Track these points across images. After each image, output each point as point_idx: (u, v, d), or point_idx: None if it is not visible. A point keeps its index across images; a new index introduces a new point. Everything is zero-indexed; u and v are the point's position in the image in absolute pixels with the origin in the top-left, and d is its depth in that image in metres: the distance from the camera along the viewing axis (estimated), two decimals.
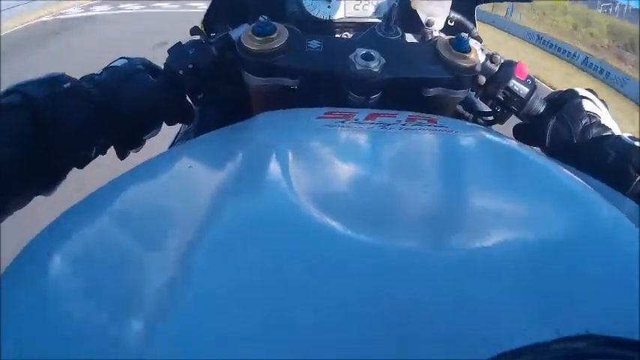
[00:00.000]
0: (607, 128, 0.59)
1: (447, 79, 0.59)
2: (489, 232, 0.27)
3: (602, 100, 0.64)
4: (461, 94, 0.62)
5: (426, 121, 0.45)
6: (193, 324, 0.20)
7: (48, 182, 0.46)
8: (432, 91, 0.60)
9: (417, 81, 0.59)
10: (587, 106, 0.61)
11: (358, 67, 0.53)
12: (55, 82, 0.46)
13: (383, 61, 0.54)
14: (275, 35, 0.55)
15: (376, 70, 0.54)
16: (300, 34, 0.59)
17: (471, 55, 0.59)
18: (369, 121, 0.44)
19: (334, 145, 0.39)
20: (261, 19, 0.55)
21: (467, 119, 0.74)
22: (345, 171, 0.35)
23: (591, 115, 0.60)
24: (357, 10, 0.78)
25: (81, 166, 0.50)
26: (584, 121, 0.59)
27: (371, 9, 0.79)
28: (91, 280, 0.24)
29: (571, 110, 0.60)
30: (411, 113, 0.47)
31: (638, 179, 0.52)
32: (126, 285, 0.24)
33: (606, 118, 0.61)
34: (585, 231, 0.29)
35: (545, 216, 0.30)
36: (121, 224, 0.29)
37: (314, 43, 0.57)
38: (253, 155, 0.35)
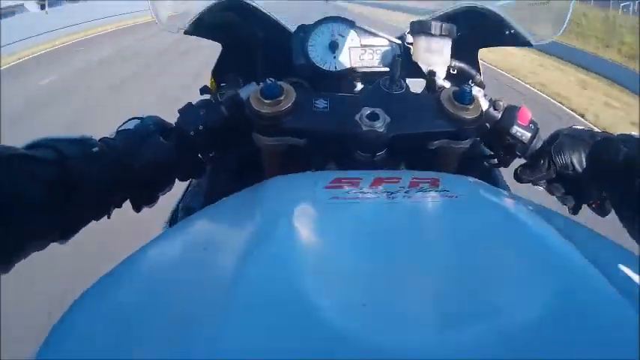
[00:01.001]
0: (609, 133, 0.61)
1: (451, 132, 0.61)
2: (479, 314, 0.29)
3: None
4: (465, 144, 0.63)
5: (427, 184, 0.47)
6: None
7: (66, 232, 0.49)
8: (437, 143, 0.62)
9: (421, 136, 0.61)
10: (581, 127, 0.64)
11: (364, 128, 0.55)
12: (85, 143, 0.51)
13: (388, 119, 0.56)
14: (282, 97, 0.57)
15: (381, 130, 0.55)
16: (307, 91, 0.62)
17: (474, 107, 0.60)
18: (374, 188, 0.45)
19: (338, 221, 0.41)
20: (268, 81, 0.57)
21: (472, 164, 0.75)
22: (348, 247, 0.37)
23: (589, 129, 0.63)
24: (363, 59, 0.81)
25: (98, 219, 0.53)
26: (588, 134, 0.62)
27: (376, 58, 0.81)
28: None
29: (574, 131, 0.63)
30: (414, 175, 0.49)
31: None
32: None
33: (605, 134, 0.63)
34: (573, 306, 0.30)
35: (536, 291, 0.31)
36: (147, 294, 0.33)
37: (321, 103, 0.59)
38: (257, 239, 0.36)
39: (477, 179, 0.55)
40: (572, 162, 0.61)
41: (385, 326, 0.27)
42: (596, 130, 0.63)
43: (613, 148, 0.56)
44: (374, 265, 0.34)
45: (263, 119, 0.57)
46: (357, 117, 0.56)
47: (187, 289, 0.32)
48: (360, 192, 0.45)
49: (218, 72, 0.83)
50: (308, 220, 0.40)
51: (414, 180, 0.48)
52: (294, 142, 0.59)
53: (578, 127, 0.65)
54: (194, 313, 0.29)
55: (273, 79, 0.57)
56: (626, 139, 0.56)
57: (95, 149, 0.51)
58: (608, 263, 0.34)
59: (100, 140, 0.55)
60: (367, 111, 0.57)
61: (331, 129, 0.58)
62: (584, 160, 0.60)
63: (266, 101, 0.56)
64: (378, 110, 0.57)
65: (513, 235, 0.38)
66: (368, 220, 0.40)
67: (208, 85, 0.82)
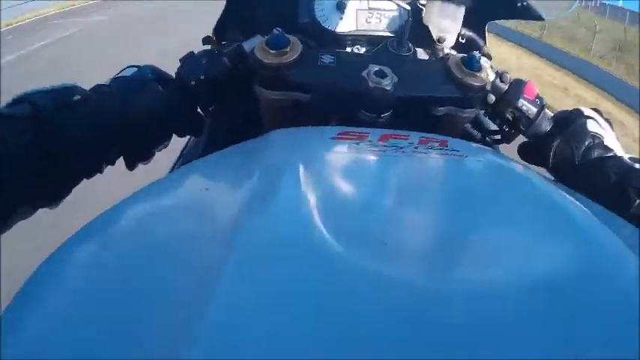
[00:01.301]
0: (609, 149, 0.59)
1: (458, 99, 0.59)
2: (494, 264, 0.28)
3: (607, 120, 0.64)
4: (470, 112, 0.62)
5: (437, 144, 0.45)
6: (216, 349, 0.20)
7: (54, 194, 0.45)
8: (442, 110, 0.60)
9: (428, 100, 0.59)
10: (592, 126, 0.61)
11: (371, 85, 0.53)
12: (65, 93, 0.45)
13: (395, 79, 0.54)
14: (288, 48, 0.54)
15: (389, 88, 0.53)
16: (313, 47, 0.59)
17: (482, 74, 0.58)
18: (382, 142, 0.43)
19: (348, 168, 0.39)
20: (275, 31, 0.55)
21: (475, 138, 0.74)
22: (357, 194, 0.35)
23: (595, 136, 0.60)
24: (369, 23, 0.78)
25: (89, 177, 0.49)
26: (587, 142, 0.59)
27: (383, 22, 0.79)
28: (109, 303, 0.24)
29: (575, 131, 0.60)
30: (422, 135, 0.47)
31: (638, 202, 0.51)
32: (147, 308, 0.23)
33: (610, 138, 0.61)
34: (589, 264, 0.29)
35: (549, 248, 0.30)
36: (137, 245, 0.29)
37: (327, 58, 0.57)
38: (267, 178, 0.34)
39: (482, 145, 0.54)
40: (558, 165, 0.60)
41: (408, 265, 0.26)
42: (599, 135, 0.60)
43: (603, 174, 0.55)
44: (383, 211, 0.33)
45: (267, 70, 0.54)
46: (364, 73, 0.54)
47: (188, 233, 0.30)
48: (369, 144, 0.43)
49: (220, 29, 0.80)
50: (318, 164, 0.39)
51: (423, 138, 0.46)
52: (298, 96, 0.57)
53: (588, 125, 0.61)
54: (197, 259, 0.26)
55: (280, 29, 0.55)
56: (617, 164, 0.55)
57: (76, 97, 0.45)
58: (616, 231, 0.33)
59: (93, 87, 0.50)
60: (375, 68, 0.54)
61: (337, 84, 0.56)
62: (569, 167, 0.59)
63: (271, 51, 0.54)
64: (385, 69, 0.55)
65: (527, 194, 0.37)
66: (377, 167, 0.39)
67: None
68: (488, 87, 0.60)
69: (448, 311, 0.23)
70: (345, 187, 0.36)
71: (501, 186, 0.39)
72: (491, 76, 0.63)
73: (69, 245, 0.29)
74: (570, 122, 0.62)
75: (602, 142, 0.60)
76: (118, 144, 0.51)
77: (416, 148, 0.43)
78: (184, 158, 0.75)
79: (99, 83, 0.52)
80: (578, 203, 0.36)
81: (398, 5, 0.79)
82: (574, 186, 0.57)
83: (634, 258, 0.29)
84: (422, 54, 0.78)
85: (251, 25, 0.80)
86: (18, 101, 0.43)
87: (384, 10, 0.79)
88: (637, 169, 0.53)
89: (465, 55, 0.59)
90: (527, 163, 0.66)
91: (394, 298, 0.23)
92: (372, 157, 0.40)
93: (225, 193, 0.35)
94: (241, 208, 0.31)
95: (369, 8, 0.78)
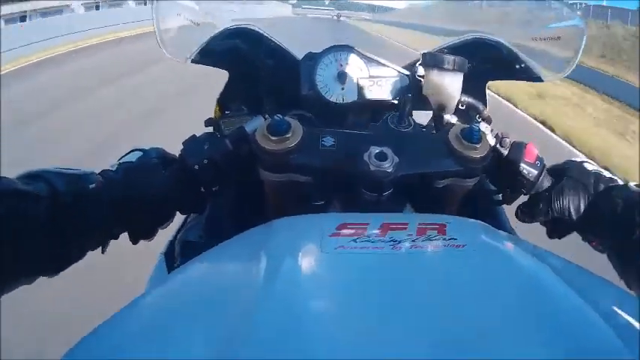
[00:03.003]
0: (613, 180, 0.60)
1: (459, 171, 0.59)
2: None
3: (604, 167, 0.66)
4: (471, 182, 0.62)
5: (435, 231, 0.45)
6: None
7: (57, 267, 0.48)
8: (444, 182, 0.61)
9: (429, 175, 0.59)
10: (589, 167, 0.63)
11: (372, 168, 0.54)
12: (80, 179, 0.49)
13: (396, 159, 0.55)
14: (290, 134, 0.56)
15: (389, 170, 0.54)
16: (314, 127, 0.60)
17: (482, 145, 0.59)
18: (381, 236, 0.44)
19: (345, 275, 0.40)
20: (276, 117, 0.56)
21: (475, 203, 0.73)
22: (354, 303, 0.36)
23: (596, 172, 0.61)
24: (371, 91, 0.80)
25: (92, 250, 0.52)
26: (591, 179, 0.61)
27: (384, 89, 0.80)
28: None
29: (579, 174, 0.62)
30: (421, 220, 0.48)
31: None
32: None
33: (608, 174, 0.62)
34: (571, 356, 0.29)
35: (537, 338, 0.31)
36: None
37: (328, 140, 0.58)
38: (266, 287, 0.36)
39: (481, 222, 0.54)
40: (569, 210, 0.61)
41: None
42: (599, 171, 0.62)
43: (610, 203, 0.56)
44: (376, 319, 0.33)
45: (269, 156, 0.56)
46: (365, 156, 0.55)
47: (190, 338, 0.31)
48: (367, 240, 0.43)
49: (224, 99, 0.82)
50: (313, 274, 0.39)
51: (421, 226, 0.46)
52: (300, 178, 0.58)
53: (584, 165, 0.63)
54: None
55: (280, 116, 0.56)
56: (623, 192, 0.56)
57: (92, 186, 0.49)
58: (609, 308, 0.35)
59: (100, 173, 0.54)
60: (375, 150, 0.55)
61: (338, 167, 0.56)
62: (581, 209, 0.60)
63: (272, 138, 0.55)
64: (386, 149, 0.55)
65: (517, 287, 0.38)
66: (373, 273, 0.39)
67: (212, 113, 0.81)
68: (489, 157, 0.60)
69: None
70: (339, 296, 0.36)
71: (499, 281, 0.40)
72: (492, 141, 0.64)
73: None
74: (568, 170, 0.63)
75: (605, 175, 0.61)
76: (124, 225, 0.54)
77: (414, 241, 0.43)
78: (183, 231, 0.76)
79: (107, 168, 0.55)
80: (573, 294, 0.36)
81: (397, 71, 0.81)
82: (584, 224, 0.60)
83: (619, 343, 0.30)
84: (423, 116, 0.79)
85: (254, 95, 0.83)
86: (34, 177, 0.46)
87: (385, 77, 0.81)
88: None
89: (465, 126, 0.60)
90: (525, 223, 0.68)
91: None
92: (368, 260, 0.41)
93: (226, 306, 0.36)
94: (240, 319, 0.32)
95: (370, 76, 0.80)
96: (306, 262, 0.40)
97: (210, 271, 0.45)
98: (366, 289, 0.37)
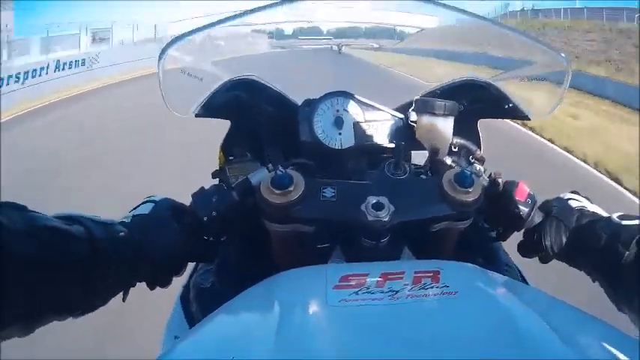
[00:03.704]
0: (596, 214, 0.65)
1: (452, 215, 0.63)
2: None
3: (586, 197, 0.71)
4: (465, 224, 0.66)
5: (429, 279, 0.49)
6: None
7: (86, 308, 0.51)
8: (438, 226, 0.64)
9: (424, 220, 0.63)
10: (574, 204, 0.67)
11: (370, 218, 0.58)
12: (112, 227, 0.54)
13: (392, 208, 0.59)
14: (292, 188, 0.59)
15: (386, 219, 0.58)
16: (315, 179, 0.64)
17: (475, 189, 0.62)
18: (380, 287, 0.48)
19: (348, 326, 0.44)
20: (278, 172, 0.60)
21: (470, 241, 0.76)
22: (355, 348, 0.40)
23: (580, 209, 0.66)
24: (367, 135, 0.84)
25: (114, 295, 0.55)
26: (575, 216, 0.65)
27: (380, 133, 0.84)
28: None
29: (562, 212, 0.66)
30: (416, 268, 0.51)
31: (627, 254, 0.55)
32: None
33: (593, 208, 0.67)
34: None
35: None
36: None
37: (328, 191, 0.62)
38: (276, 343, 0.40)
39: (473, 266, 0.57)
40: (552, 246, 0.65)
41: None
42: (583, 207, 0.67)
43: (594, 237, 0.60)
44: None
45: (273, 209, 0.59)
46: (362, 207, 0.59)
47: None
48: (367, 292, 0.47)
49: (227, 146, 0.87)
50: (320, 328, 0.43)
51: (417, 275, 0.50)
52: (303, 228, 0.62)
53: (569, 202, 0.68)
54: None
55: (282, 170, 0.60)
56: (606, 224, 0.60)
57: (122, 234, 0.54)
58: (603, 350, 0.39)
59: (119, 223, 0.58)
60: (373, 200, 0.59)
61: (338, 218, 0.60)
62: (563, 244, 0.65)
63: (276, 191, 0.59)
64: (382, 199, 0.59)
65: (503, 333, 0.42)
66: (374, 325, 0.43)
67: (217, 158, 0.86)
68: (481, 200, 0.63)
69: None
70: (342, 344, 0.40)
71: (487, 328, 0.43)
72: (485, 183, 0.68)
73: None
74: (554, 207, 0.68)
75: (588, 210, 0.66)
76: (140, 275, 0.58)
77: (410, 290, 0.47)
78: (196, 276, 0.79)
79: (122, 220, 0.59)
80: (554, 339, 0.39)
81: (392, 115, 0.86)
82: (570, 257, 0.65)
83: None
84: (420, 156, 0.83)
85: (256, 140, 0.87)
86: (71, 219, 0.50)
87: (380, 120, 0.85)
88: (624, 225, 0.58)
89: (458, 170, 0.63)
90: (527, 257, 0.72)
91: None
92: (369, 312, 0.44)
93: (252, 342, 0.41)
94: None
95: (366, 121, 0.84)
96: (313, 316, 0.44)
97: (228, 327, 0.48)
98: (368, 341, 0.41)
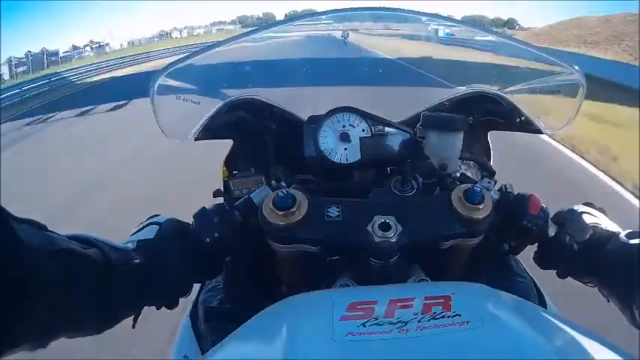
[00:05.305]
0: (607, 232, 0.63)
1: (463, 232, 0.60)
2: None
3: (600, 209, 0.69)
4: (476, 240, 0.63)
5: (440, 306, 0.47)
6: None
7: (96, 329, 0.51)
8: (448, 243, 0.61)
9: (433, 239, 0.60)
10: (588, 219, 0.65)
11: (376, 239, 0.55)
12: (126, 253, 0.55)
13: (399, 228, 0.56)
14: (295, 208, 0.57)
15: (393, 240, 0.55)
16: (319, 198, 0.61)
17: (485, 206, 0.60)
18: (389, 317, 0.45)
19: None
20: (280, 193, 0.58)
21: (483, 256, 0.73)
22: None
23: (593, 226, 0.64)
24: (373, 149, 0.81)
25: (125, 318, 0.55)
26: (587, 234, 0.63)
27: (386, 148, 0.82)
28: None
29: (574, 229, 0.65)
30: (426, 294, 0.49)
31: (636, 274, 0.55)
32: None
33: (606, 223, 0.65)
34: None
35: None
36: None
37: (333, 211, 0.59)
38: None
39: (486, 287, 0.54)
40: (566, 262, 0.65)
41: None
42: (596, 224, 0.65)
43: (604, 257, 0.60)
44: None
45: (276, 230, 0.57)
46: (369, 227, 0.56)
47: None
48: (375, 324, 0.44)
49: (230, 161, 0.85)
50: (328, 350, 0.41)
51: (427, 302, 0.47)
52: (307, 249, 0.59)
53: (583, 217, 0.66)
54: None
55: (285, 191, 0.58)
56: (614, 244, 0.59)
57: (136, 261, 0.54)
58: None
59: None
60: (379, 220, 0.56)
61: (343, 239, 0.58)
62: (575, 261, 0.64)
63: (279, 213, 0.57)
64: (389, 219, 0.57)
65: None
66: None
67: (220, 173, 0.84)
68: (492, 216, 0.61)
69: None
70: None
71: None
72: (496, 196, 0.65)
73: None
74: (567, 221, 0.66)
75: (601, 227, 0.64)
76: (148, 298, 0.58)
77: (420, 321, 0.44)
78: (204, 294, 0.78)
79: (127, 244, 0.58)
80: None
81: (399, 129, 0.83)
82: (585, 275, 0.64)
83: None
84: (426, 170, 0.80)
85: (260, 155, 0.85)
86: (85, 241, 0.50)
87: (387, 135, 0.82)
88: (630, 244, 0.58)
89: (467, 187, 0.61)
90: (542, 268, 0.70)
91: None
92: (376, 347, 0.42)
93: None
94: None
95: (373, 135, 0.82)
96: (319, 352, 0.42)
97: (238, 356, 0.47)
98: None
